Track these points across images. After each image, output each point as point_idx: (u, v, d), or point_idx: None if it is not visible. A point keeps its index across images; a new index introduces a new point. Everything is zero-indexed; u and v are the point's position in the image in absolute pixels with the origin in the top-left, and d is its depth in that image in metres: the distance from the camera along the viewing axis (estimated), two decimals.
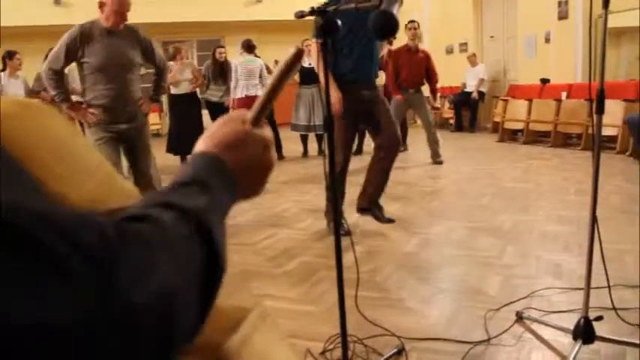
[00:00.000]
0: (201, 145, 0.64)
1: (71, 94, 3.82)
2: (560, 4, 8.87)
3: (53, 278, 0.36)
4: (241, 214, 4.78)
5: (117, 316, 0.38)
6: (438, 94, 7.34)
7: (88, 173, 0.65)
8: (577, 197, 4.75)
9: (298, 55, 0.72)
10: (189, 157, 0.63)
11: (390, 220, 4.12)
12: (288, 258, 3.55)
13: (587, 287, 2.14)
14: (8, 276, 0.34)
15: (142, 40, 3.75)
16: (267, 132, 0.69)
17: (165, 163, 8.17)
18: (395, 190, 5.56)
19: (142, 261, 0.42)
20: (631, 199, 4.61)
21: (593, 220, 2.09)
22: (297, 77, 8.39)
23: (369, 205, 4.03)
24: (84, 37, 3.49)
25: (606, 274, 2.30)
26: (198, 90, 8.10)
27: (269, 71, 8.13)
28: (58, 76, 3.55)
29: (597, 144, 2.02)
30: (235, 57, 8.24)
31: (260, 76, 7.53)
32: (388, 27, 1.36)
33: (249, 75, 7.48)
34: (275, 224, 4.39)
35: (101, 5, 3.52)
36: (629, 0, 7.62)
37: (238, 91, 7.47)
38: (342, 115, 3.65)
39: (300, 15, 1.96)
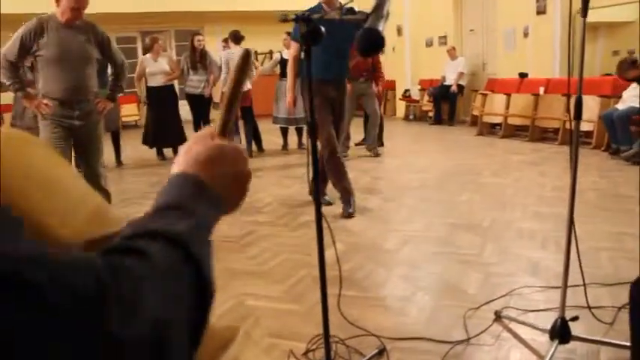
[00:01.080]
0: (178, 166, 0.64)
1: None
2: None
3: (44, 320, 0.37)
4: None
5: (109, 353, 0.39)
6: (380, 83, 7.44)
7: (77, 205, 0.65)
8: (554, 193, 4.83)
9: (246, 58, 0.73)
10: (168, 178, 0.63)
11: (329, 203, 4.66)
12: (270, 255, 3.56)
13: (564, 287, 2.19)
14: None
15: (99, 35, 3.75)
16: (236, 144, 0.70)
17: (142, 156, 8.15)
18: (375, 185, 5.61)
19: (134, 297, 0.43)
20: (606, 195, 4.71)
21: (570, 225, 2.13)
22: (277, 69, 8.36)
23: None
24: (39, 29, 3.50)
25: (582, 273, 2.35)
26: (177, 82, 8.03)
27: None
28: (13, 67, 3.57)
29: (575, 156, 2.06)
30: (220, 49, 8.21)
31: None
32: (375, 45, 1.37)
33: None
34: (255, 221, 4.39)
35: (57, 0, 3.52)
36: None
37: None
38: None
39: (284, 19, 1.95)
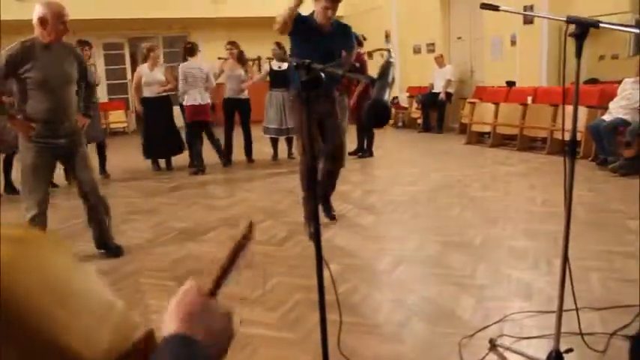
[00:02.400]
0: (168, 325, 0.68)
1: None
2: (525, 8, 9.03)
3: None
4: (211, 226, 4.78)
5: None
6: (352, 97, 7.70)
7: (100, 321, 0.65)
8: (544, 208, 4.89)
9: (248, 236, 0.76)
10: (161, 339, 0.67)
11: (333, 217, 4.73)
12: (264, 278, 3.57)
13: (559, 319, 2.22)
14: None
15: (78, 56, 3.89)
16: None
17: (130, 166, 8.13)
18: (366, 199, 5.63)
19: None
20: (594, 210, 4.77)
21: (565, 258, 2.17)
22: (267, 79, 8.35)
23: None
24: (25, 53, 3.54)
25: (574, 299, 2.39)
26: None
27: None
28: None
29: (569, 194, 2.09)
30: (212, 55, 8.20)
31: (207, 80, 7.46)
32: (382, 119, 1.39)
33: (195, 81, 7.39)
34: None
35: (42, 22, 3.55)
36: (592, 4, 7.86)
37: (187, 98, 7.38)
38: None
39: (281, 58, 1.97)
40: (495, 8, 2.41)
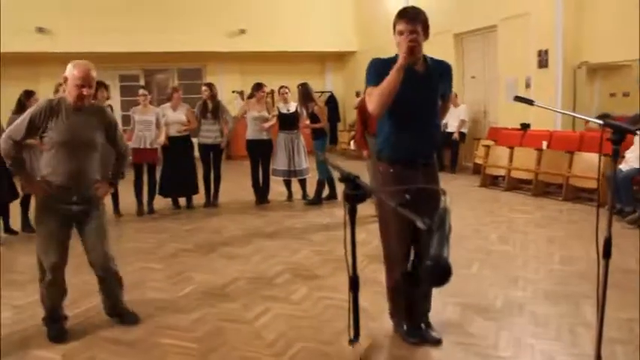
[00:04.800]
0: None
1: None
2: (540, 53, 9.11)
3: None
4: (232, 279, 4.80)
5: None
6: None
7: None
8: (563, 267, 4.87)
9: None
10: None
11: (438, 342, 3.49)
12: (287, 343, 3.55)
13: None
14: None
15: (107, 120, 3.74)
16: None
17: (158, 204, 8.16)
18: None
19: None
20: (614, 269, 4.71)
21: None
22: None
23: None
24: (50, 111, 3.47)
25: None
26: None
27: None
28: (17, 146, 3.51)
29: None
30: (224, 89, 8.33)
31: (157, 125, 7.64)
32: (443, 279, 1.35)
33: (147, 125, 7.58)
34: (268, 296, 4.40)
35: (65, 80, 3.50)
36: (604, 51, 7.92)
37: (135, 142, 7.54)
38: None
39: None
40: (530, 102, 2.44)
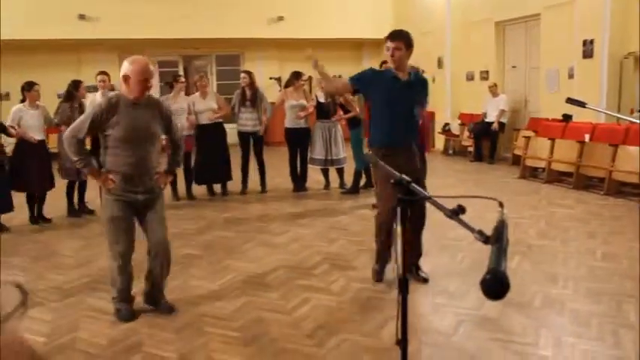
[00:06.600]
0: None
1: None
2: (585, 42, 8.90)
3: None
4: (271, 268, 4.87)
5: None
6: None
7: None
8: (605, 264, 4.80)
9: None
10: None
11: (425, 280, 4.50)
12: (328, 334, 3.60)
13: None
14: None
15: (163, 112, 3.92)
16: None
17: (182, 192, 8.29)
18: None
19: None
20: None
21: None
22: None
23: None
24: (110, 109, 3.65)
25: None
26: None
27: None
28: (80, 144, 3.70)
29: None
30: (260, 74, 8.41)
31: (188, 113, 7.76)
32: (501, 294, 1.35)
33: (180, 113, 7.59)
34: (306, 286, 4.47)
35: (126, 79, 3.66)
36: None
37: None
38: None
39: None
40: (582, 105, 2.40)
